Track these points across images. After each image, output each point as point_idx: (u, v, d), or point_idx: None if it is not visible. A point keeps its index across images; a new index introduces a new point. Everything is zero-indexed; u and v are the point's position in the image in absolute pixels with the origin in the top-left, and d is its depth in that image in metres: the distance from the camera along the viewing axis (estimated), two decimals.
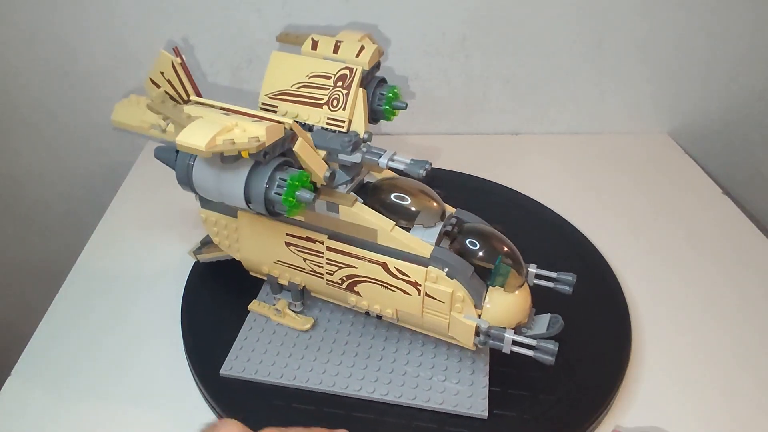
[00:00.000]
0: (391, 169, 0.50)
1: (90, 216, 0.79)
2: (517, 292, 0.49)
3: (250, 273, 0.60)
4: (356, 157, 0.49)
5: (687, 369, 0.56)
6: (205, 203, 0.57)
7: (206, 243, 0.65)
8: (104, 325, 0.60)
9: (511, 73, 0.89)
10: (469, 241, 0.50)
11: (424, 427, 0.49)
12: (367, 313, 0.55)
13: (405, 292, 0.50)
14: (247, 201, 0.43)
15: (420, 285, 0.49)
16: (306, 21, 0.83)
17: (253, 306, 0.59)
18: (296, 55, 0.52)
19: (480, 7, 0.82)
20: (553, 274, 0.52)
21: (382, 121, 0.56)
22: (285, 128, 0.43)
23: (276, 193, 0.43)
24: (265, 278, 0.58)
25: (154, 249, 0.70)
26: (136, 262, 0.68)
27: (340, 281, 0.53)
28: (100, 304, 0.63)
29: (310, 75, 0.51)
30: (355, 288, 0.52)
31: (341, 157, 0.49)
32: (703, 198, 0.81)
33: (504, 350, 0.48)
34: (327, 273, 0.53)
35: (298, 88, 0.51)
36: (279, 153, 0.43)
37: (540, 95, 0.91)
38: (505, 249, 0.49)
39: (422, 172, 0.48)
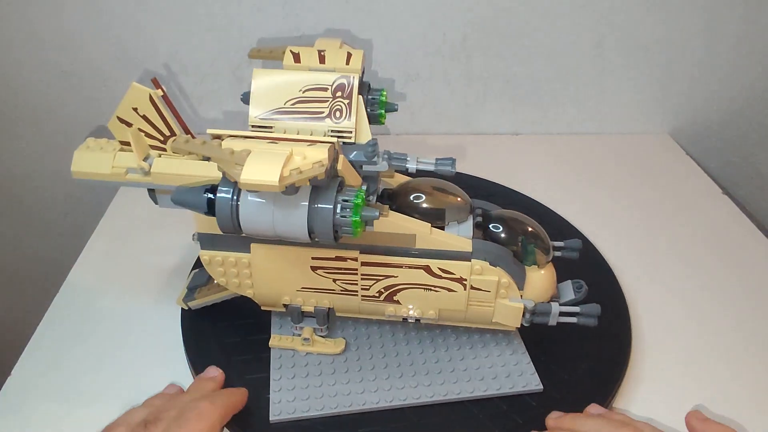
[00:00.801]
0: (420, 171, 0.50)
1: (90, 216, 0.79)
2: (547, 267, 0.51)
3: (263, 308, 0.56)
4: (383, 166, 0.48)
5: (687, 369, 0.56)
6: (208, 243, 0.50)
7: (197, 286, 0.59)
8: (104, 326, 0.60)
9: (511, 73, 0.89)
10: (500, 228, 0.51)
11: (495, 413, 0.50)
12: (404, 319, 0.53)
13: (450, 290, 0.49)
14: (310, 231, 0.41)
15: (465, 280, 0.49)
16: (306, 21, 0.83)
17: (274, 342, 0.55)
18: (282, 70, 0.49)
19: (481, 8, 0.82)
20: (561, 243, 0.54)
21: (381, 122, 0.56)
22: (334, 148, 0.41)
23: (341, 216, 0.41)
24: (280, 310, 0.55)
25: (155, 249, 0.70)
26: (137, 263, 0.68)
27: (377, 294, 0.51)
28: (100, 304, 0.63)
29: (305, 89, 0.48)
30: (394, 297, 0.51)
31: (366, 168, 0.48)
32: (703, 198, 0.81)
33: (550, 323, 0.50)
34: (362, 289, 0.51)
35: (294, 104, 0.49)
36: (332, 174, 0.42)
37: (540, 95, 0.91)
38: (530, 230, 0.51)
39: (453, 170, 0.49)
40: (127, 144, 0.48)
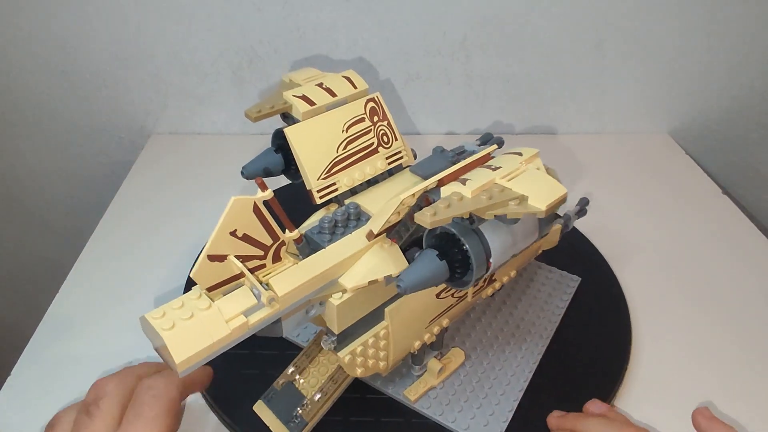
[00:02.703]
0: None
1: (90, 216, 0.79)
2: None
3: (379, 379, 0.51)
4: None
5: (687, 368, 0.56)
6: (343, 340, 0.44)
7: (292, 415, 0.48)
8: (104, 325, 0.60)
9: (511, 73, 0.89)
10: None
11: None
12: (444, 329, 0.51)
13: (532, 246, 0.47)
14: (541, 230, 0.42)
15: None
16: (306, 21, 0.83)
17: (411, 393, 0.51)
18: (313, 119, 0.46)
19: (481, 7, 0.82)
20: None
21: None
22: None
23: None
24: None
25: (155, 249, 0.70)
26: (137, 262, 0.68)
27: (483, 283, 0.50)
28: (100, 304, 0.63)
29: (347, 126, 0.46)
30: (493, 278, 0.51)
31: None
32: (703, 198, 0.81)
33: (569, 228, 0.53)
34: (473, 286, 0.49)
35: (345, 147, 0.46)
36: None
37: (540, 95, 0.91)
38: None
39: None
40: (218, 286, 0.36)
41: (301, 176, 0.46)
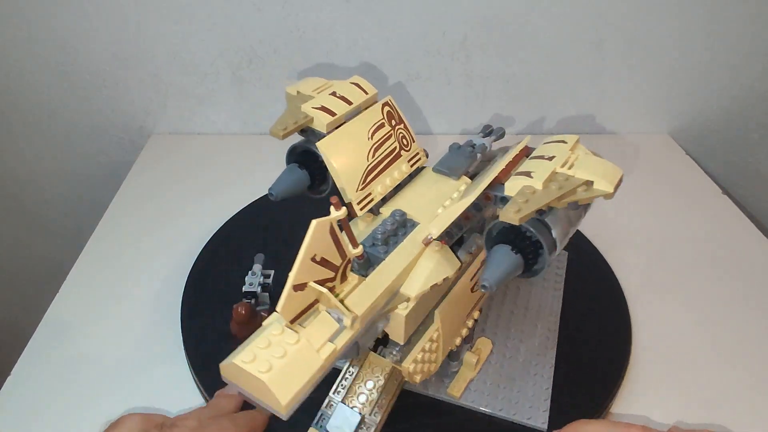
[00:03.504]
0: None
1: (90, 216, 0.79)
2: None
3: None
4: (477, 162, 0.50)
5: (687, 368, 0.56)
6: (407, 345, 0.44)
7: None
8: (104, 325, 0.60)
9: (511, 73, 0.89)
10: None
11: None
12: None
13: None
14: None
15: None
16: (306, 21, 0.83)
17: (454, 390, 0.51)
18: (341, 130, 0.45)
19: (481, 7, 0.82)
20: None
21: None
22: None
23: None
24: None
25: (155, 249, 0.70)
26: (137, 262, 0.68)
27: None
28: (101, 303, 0.63)
29: (371, 133, 0.46)
30: None
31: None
32: (703, 198, 0.81)
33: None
34: None
35: (374, 154, 0.46)
36: None
37: (540, 95, 0.91)
38: None
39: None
40: (299, 316, 0.35)
41: (323, 191, 0.46)
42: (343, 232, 0.35)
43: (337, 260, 0.36)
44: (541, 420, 0.49)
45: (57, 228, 1.02)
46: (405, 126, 0.49)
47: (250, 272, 0.57)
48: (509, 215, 0.36)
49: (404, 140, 0.48)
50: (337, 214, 0.34)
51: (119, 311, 0.62)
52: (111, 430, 0.40)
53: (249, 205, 0.74)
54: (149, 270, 0.67)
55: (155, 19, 0.82)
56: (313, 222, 0.32)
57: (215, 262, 0.66)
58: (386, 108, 0.48)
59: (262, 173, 0.83)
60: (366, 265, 0.40)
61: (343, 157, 0.43)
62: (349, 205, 0.43)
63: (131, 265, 0.68)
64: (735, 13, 0.83)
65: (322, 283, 0.35)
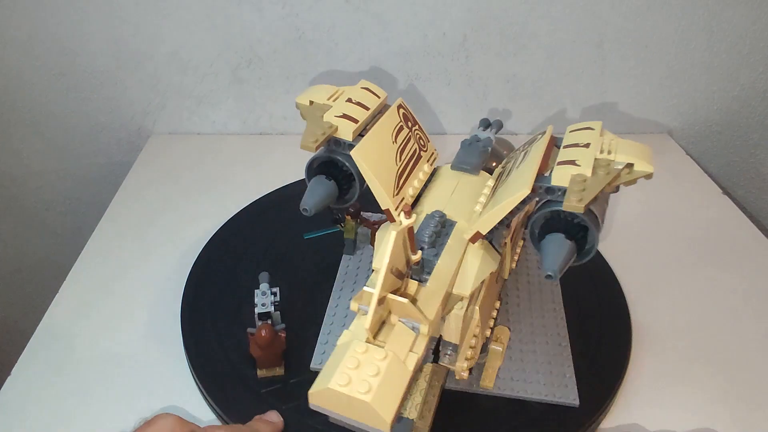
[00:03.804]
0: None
1: (90, 216, 0.79)
2: None
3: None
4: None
5: (687, 368, 0.56)
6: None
7: None
8: (104, 326, 0.60)
9: (511, 73, 0.89)
10: None
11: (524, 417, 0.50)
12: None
13: None
14: None
15: None
16: (306, 21, 0.83)
17: (486, 381, 0.51)
18: (369, 136, 0.44)
19: (480, 7, 0.82)
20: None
21: None
22: None
23: None
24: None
25: (154, 249, 0.70)
26: (136, 262, 0.68)
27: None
28: (100, 304, 0.63)
29: (394, 136, 0.46)
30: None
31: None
32: (703, 198, 0.81)
33: None
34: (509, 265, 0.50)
35: (400, 158, 0.45)
36: None
37: (540, 95, 0.91)
38: None
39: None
40: (378, 330, 0.35)
41: (348, 200, 0.46)
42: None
43: (403, 268, 0.36)
44: (572, 396, 0.50)
45: (57, 228, 1.02)
46: (419, 127, 0.49)
47: (258, 292, 0.54)
48: (573, 204, 0.37)
49: (421, 141, 0.48)
50: (409, 221, 0.34)
51: (119, 311, 0.62)
52: (146, 428, 0.40)
53: (249, 205, 0.74)
54: (149, 270, 0.67)
55: (154, 19, 0.82)
56: (393, 232, 0.32)
57: (215, 262, 0.66)
58: (401, 110, 0.48)
59: (262, 173, 0.83)
60: (420, 269, 0.39)
61: (377, 163, 0.43)
62: (386, 212, 0.43)
63: (131, 265, 0.68)
64: (735, 13, 0.83)
65: (394, 293, 0.35)
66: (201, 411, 0.52)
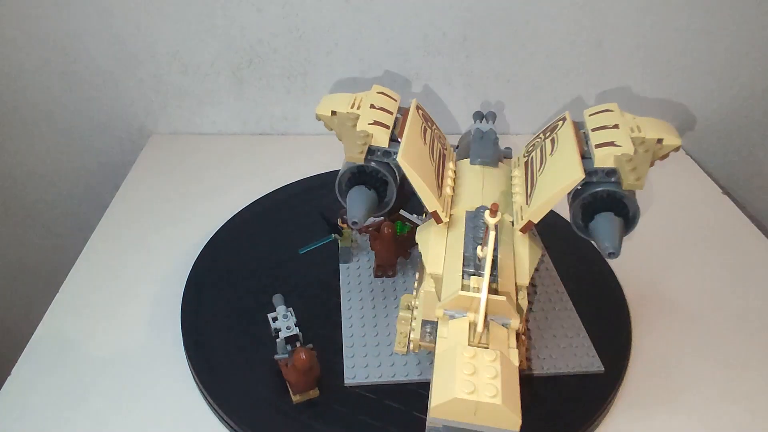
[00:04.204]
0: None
1: (90, 216, 0.79)
2: None
3: None
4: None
5: (687, 369, 0.56)
6: None
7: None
8: (104, 326, 0.60)
9: (511, 73, 0.89)
10: None
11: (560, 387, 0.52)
12: None
13: None
14: None
15: None
16: (306, 21, 0.83)
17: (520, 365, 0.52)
18: (405, 141, 0.45)
19: (480, 7, 0.82)
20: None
21: None
22: None
23: None
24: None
25: (155, 249, 0.70)
26: (136, 262, 0.68)
27: None
28: (100, 304, 0.63)
29: (423, 137, 0.46)
30: None
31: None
32: (703, 198, 0.81)
33: None
34: None
35: (433, 158, 0.46)
36: None
37: (540, 95, 0.91)
38: None
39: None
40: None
41: (386, 206, 0.46)
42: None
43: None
44: (596, 364, 0.53)
45: (57, 228, 1.02)
46: (436, 126, 0.50)
47: (278, 315, 0.51)
48: (632, 182, 0.40)
49: (441, 139, 0.49)
50: (497, 218, 0.36)
51: (119, 311, 0.62)
52: None
53: (249, 205, 0.74)
54: (149, 270, 0.67)
55: (155, 19, 0.82)
56: (492, 233, 0.34)
57: (216, 262, 0.66)
58: (420, 111, 0.48)
59: (262, 173, 0.83)
60: (494, 266, 0.40)
61: (420, 166, 0.43)
62: (434, 214, 0.43)
63: (131, 265, 0.68)
64: (735, 12, 0.83)
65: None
66: (201, 411, 0.52)
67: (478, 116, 0.55)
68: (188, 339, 0.57)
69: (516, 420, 0.32)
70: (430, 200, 0.43)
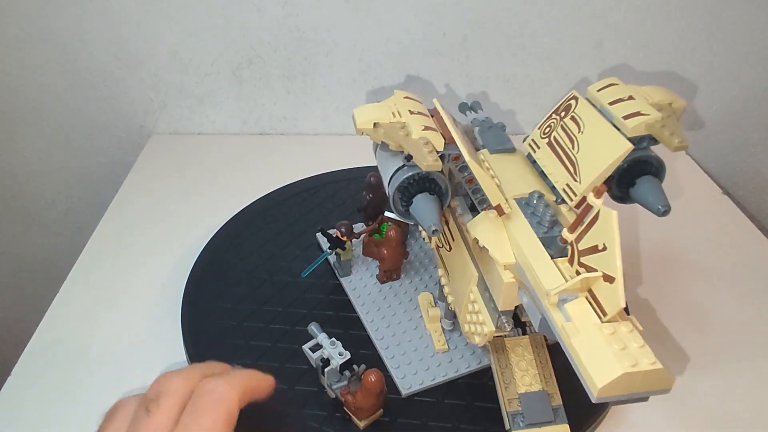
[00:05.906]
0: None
1: (90, 216, 0.79)
2: None
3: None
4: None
5: (686, 369, 0.56)
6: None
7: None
8: (104, 326, 0.60)
9: (511, 73, 0.89)
10: None
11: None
12: None
13: None
14: None
15: None
16: (306, 21, 0.83)
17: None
18: (459, 142, 0.45)
19: (481, 8, 0.82)
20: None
21: None
22: None
23: None
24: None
25: (155, 249, 0.70)
26: (137, 262, 0.68)
27: None
28: (100, 303, 0.63)
29: (462, 138, 0.46)
30: None
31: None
32: (703, 198, 0.81)
33: None
34: None
35: (471, 155, 0.46)
36: None
37: (540, 95, 0.91)
38: None
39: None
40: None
41: (442, 207, 0.46)
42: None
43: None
44: None
45: (57, 228, 1.02)
46: (456, 121, 0.50)
47: (325, 344, 0.49)
48: (677, 145, 0.42)
49: (467, 134, 0.50)
50: (601, 199, 0.37)
51: (119, 311, 0.62)
52: (108, 424, 0.38)
53: (249, 204, 0.74)
54: (149, 270, 0.67)
55: (155, 19, 0.82)
56: (614, 214, 0.35)
57: (216, 262, 0.66)
58: (449, 113, 0.49)
59: (262, 173, 0.83)
60: (564, 248, 0.40)
61: (477, 164, 0.44)
62: (497, 207, 0.43)
63: (131, 265, 0.68)
64: (735, 13, 0.83)
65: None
66: None
67: (464, 107, 0.56)
68: (188, 339, 0.57)
69: (672, 378, 0.34)
70: (495, 194, 0.43)
